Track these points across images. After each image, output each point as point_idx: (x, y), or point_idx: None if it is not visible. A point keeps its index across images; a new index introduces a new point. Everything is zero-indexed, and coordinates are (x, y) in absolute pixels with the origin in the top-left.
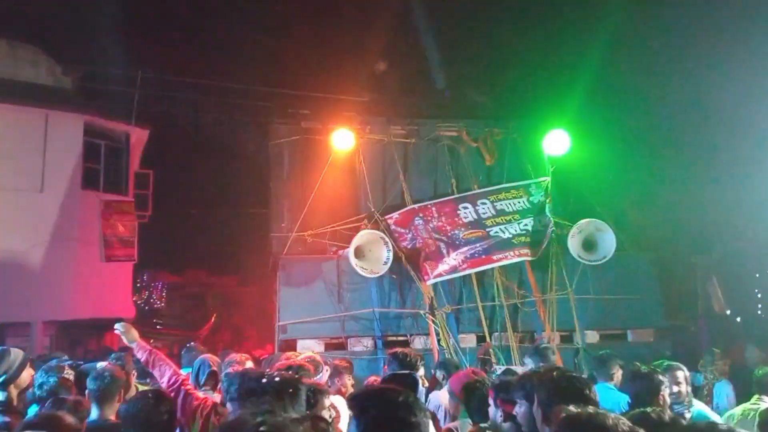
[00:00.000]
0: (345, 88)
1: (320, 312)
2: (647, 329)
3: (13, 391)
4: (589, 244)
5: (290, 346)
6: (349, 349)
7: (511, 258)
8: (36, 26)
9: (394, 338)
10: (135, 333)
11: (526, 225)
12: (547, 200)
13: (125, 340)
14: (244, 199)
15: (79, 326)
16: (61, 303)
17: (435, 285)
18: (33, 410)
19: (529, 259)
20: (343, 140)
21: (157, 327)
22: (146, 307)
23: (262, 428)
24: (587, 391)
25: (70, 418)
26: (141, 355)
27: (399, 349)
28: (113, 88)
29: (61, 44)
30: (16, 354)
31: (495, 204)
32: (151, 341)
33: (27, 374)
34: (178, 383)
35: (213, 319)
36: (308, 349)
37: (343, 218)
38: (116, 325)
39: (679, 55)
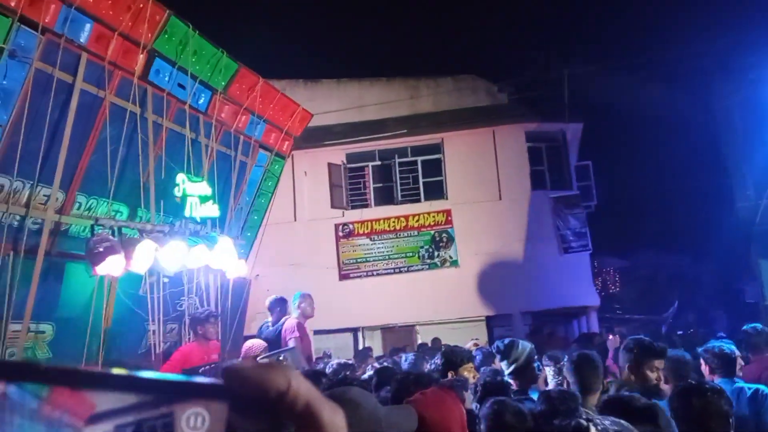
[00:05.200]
0: None
1: None
2: None
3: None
4: None
5: None
6: None
7: None
8: (469, 56)
9: None
10: None
11: None
12: None
13: None
14: (690, 171)
15: (548, 315)
16: (533, 295)
17: None
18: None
19: None
20: None
21: (617, 312)
22: (603, 294)
23: None
24: None
25: None
26: None
27: None
28: (543, 92)
29: (492, 66)
30: (524, 346)
31: None
32: (615, 328)
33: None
34: None
35: (676, 303)
36: None
37: None
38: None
39: None
